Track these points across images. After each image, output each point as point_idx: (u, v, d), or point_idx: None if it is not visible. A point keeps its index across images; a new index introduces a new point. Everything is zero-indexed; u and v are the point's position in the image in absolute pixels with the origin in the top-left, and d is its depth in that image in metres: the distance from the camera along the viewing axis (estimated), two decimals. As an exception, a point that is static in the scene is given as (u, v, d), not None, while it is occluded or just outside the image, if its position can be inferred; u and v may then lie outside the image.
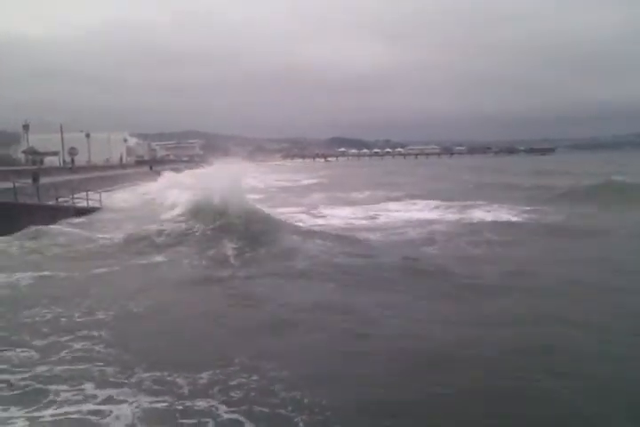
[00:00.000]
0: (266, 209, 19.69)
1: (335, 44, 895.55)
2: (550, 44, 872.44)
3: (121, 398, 5.96)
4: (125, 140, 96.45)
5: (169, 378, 6.40)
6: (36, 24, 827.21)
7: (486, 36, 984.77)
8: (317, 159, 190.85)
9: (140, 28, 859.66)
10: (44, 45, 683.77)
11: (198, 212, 18.30)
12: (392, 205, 26.80)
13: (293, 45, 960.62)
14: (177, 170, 66.99)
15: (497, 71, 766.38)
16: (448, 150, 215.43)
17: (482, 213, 21.88)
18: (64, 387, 6.25)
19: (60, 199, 24.60)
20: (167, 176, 48.41)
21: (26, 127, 52.73)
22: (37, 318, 8.77)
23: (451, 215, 21.86)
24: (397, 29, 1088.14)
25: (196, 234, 16.34)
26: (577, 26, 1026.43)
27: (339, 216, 22.86)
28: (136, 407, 5.74)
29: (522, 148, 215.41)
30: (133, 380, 6.38)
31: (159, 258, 13.81)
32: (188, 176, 48.89)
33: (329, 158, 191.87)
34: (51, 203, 23.56)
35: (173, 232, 16.67)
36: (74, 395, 6.07)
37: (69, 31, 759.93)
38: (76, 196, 25.93)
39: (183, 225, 17.52)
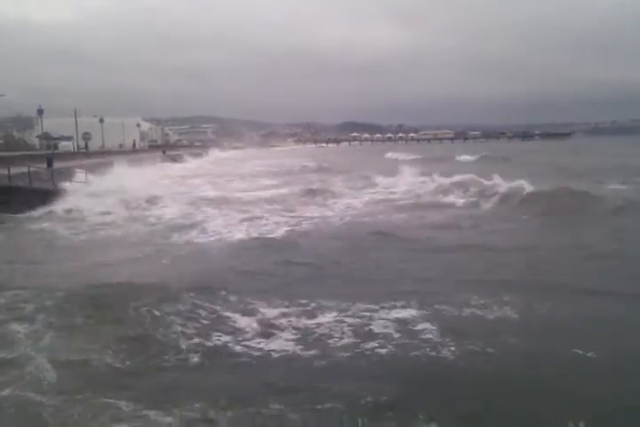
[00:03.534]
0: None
1: (347, 28, 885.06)
2: (567, 25, 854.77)
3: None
4: (139, 125, 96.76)
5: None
6: (44, 8, 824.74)
7: (499, 17, 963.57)
8: (330, 144, 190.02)
9: (152, 11, 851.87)
10: (54, 30, 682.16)
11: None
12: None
13: (306, 29, 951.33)
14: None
15: (511, 53, 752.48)
16: (462, 135, 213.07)
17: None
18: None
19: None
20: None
21: (40, 112, 52.96)
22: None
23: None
24: (408, 11, 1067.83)
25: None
26: (594, 5, 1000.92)
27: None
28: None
29: (537, 132, 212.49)
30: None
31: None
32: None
33: (322, 144, 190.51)
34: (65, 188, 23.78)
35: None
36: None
37: (80, 15, 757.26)
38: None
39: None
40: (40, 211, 19.04)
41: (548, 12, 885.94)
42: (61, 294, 8.07)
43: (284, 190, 25.31)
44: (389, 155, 68.09)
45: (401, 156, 60.31)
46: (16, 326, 6.91)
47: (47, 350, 6.23)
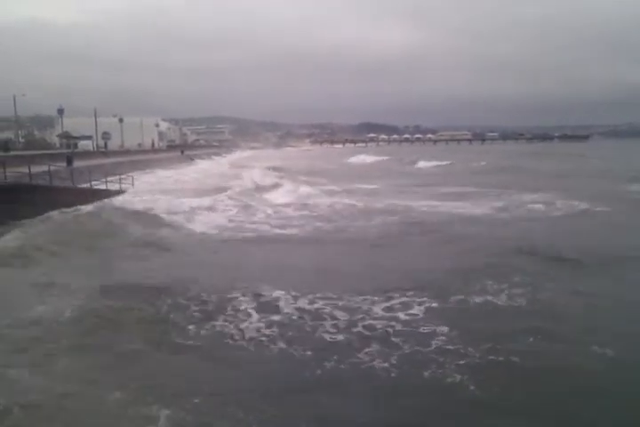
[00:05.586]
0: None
1: (361, 29, 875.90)
2: (581, 25, 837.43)
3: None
4: (157, 125, 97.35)
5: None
6: (49, 8, 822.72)
7: (511, 16, 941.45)
8: (347, 144, 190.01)
9: (160, 11, 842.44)
10: (61, 30, 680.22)
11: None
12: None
13: (323, 29, 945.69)
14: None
15: (526, 54, 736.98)
16: (480, 136, 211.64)
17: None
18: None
19: (93, 182, 24.90)
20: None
21: (60, 111, 53.48)
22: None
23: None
24: (422, 11, 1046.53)
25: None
26: (607, 3, 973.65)
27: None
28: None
29: (556, 134, 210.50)
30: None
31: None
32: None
33: (337, 145, 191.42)
34: (84, 186, 23.86)
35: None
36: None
37: (86, 16, 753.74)
38: (109, 179, 26.24)
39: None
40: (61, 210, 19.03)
41: (565, 11, 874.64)
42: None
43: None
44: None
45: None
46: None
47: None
